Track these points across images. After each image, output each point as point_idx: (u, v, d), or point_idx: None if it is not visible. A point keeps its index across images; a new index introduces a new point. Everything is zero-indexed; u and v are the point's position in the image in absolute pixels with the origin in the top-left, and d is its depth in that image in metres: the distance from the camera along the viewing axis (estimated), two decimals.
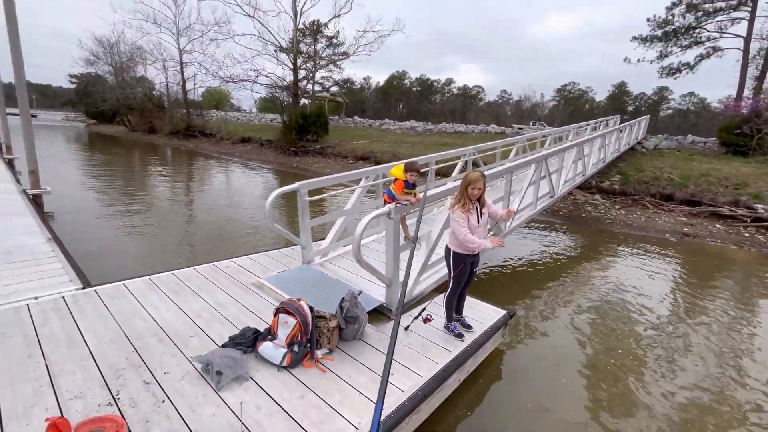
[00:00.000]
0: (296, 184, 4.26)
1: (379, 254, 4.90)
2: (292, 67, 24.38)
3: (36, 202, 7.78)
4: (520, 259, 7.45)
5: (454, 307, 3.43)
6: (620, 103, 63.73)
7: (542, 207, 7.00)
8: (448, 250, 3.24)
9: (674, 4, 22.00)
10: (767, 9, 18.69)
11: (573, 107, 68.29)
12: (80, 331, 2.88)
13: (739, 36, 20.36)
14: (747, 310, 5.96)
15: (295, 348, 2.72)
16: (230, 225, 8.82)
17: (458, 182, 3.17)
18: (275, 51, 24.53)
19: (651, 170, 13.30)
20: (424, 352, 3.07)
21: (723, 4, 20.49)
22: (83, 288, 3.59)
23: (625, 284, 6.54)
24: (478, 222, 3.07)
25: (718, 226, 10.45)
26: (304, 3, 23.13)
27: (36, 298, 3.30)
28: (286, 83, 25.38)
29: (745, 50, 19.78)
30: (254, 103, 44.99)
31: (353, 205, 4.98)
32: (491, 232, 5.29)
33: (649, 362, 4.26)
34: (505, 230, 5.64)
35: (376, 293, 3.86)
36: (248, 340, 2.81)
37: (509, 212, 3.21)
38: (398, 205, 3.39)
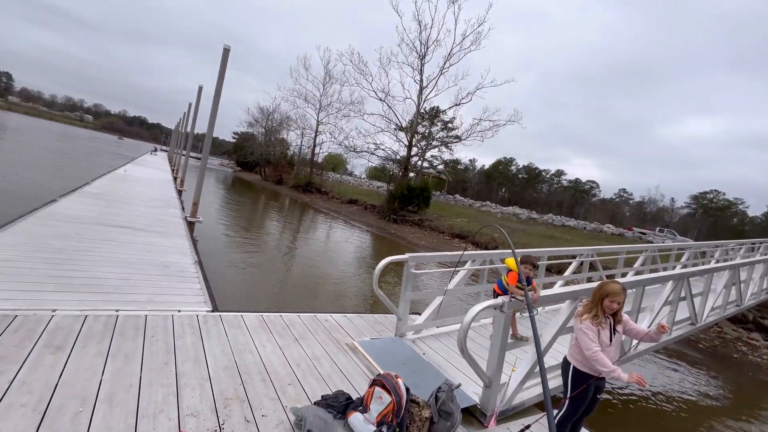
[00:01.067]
0: (406, 255, 4.39)
1: (473, 344, 4.56)
2: (407, 144, 26.78)
3: (190, 228, 9.56)
4: (645, 390, 6.08)
5: None
6: None
7: (679, 335, 5.79)
8: (567, 363, 2.84)
9: None
10: None
11: (714, 219, 58.33)
12: (204, 351, 3.24)
13: None
14: None
15: (384, 429, 2.57)
16: (325, 276, 9.39)
17: (579, 286, 2.86)
18: (395, 129, 27.48)
19: None
20: None
21: None
22: (212, 311, 4.11)
23: None
24: (611, 341, 2.66)
25: None
26: (429, 92, 25.96)
27: (179, 311, 3.89)
28: (398, 157, 27.77)
29: None
30: (365, 170, 50.08)
31: (455, 286, 4.85)
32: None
33: None
34: (630, 353, 4.75)
35: (469, 390, 3.52)
36: (340, 405, 2.77)
37: (663, 329, 2.62)
38: (512, 299, 3.18)
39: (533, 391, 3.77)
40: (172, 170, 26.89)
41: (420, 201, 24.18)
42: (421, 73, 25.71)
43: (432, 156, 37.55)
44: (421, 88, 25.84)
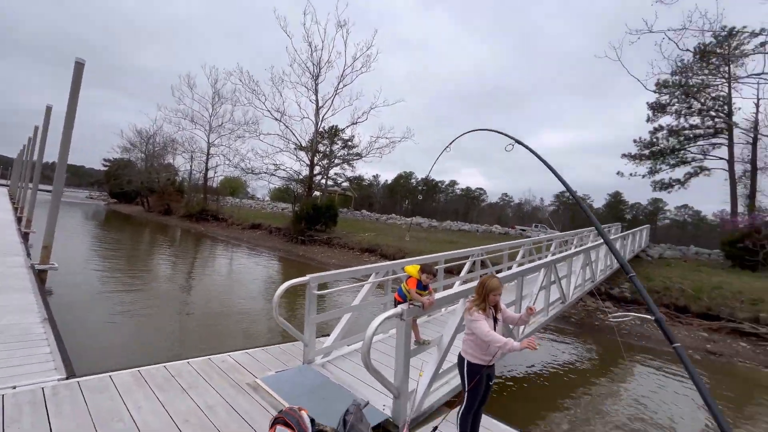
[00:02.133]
0: (307, 277, 4.23)
1: (383, 356, 4.59)
2: (308, 163, 26.44)
3: (41, 277, 7.71)
4: (532, 369, 6.89)
5: (470, 428, 3.05)
6: (617, 211, 66.24)
7: (554, 313, 6.75)
8: (461, 359, 3.03)
9: (657, 129, 24.54)
10: (743, 137, 20.68)
11: (572, 213, 70.94)
12: None
13: (722, 159, 22.15)
14: None
15: None
16: (228, 312, 8.51)
17: (469, 285, 3.12)
18: (295, 149, 26.92)
19: (660, 280, 13.12)
20: None
21: (702, 132, 22.82)
22: (66, 378, 3.31)
23: (647, 406, 5.90)
24: (494, 329, 2.93)
25: (742, 344, 9.83)
26: (326, 112, 26.21)
27: (14, 387, 3.03)
28: (301, 177, 27.19)
29: (731, 171, 21.26)
30: (267, 192, 47.77)
31: (361, 300, 4.85)
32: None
33: None
34: (518, 336, 5.34)
35: (380, 404, 3.49)
36: None
37: (530, 310, 2.96)
38: (411, 305, 3.29)
39: (442, 391, 3.94)
40: (15, 208, 21.64)
41: (327, 219, 23.96)
42: (316, 93, 25.87)
43: (335, 174, 37.90)
44: (318, 108, 25.96)
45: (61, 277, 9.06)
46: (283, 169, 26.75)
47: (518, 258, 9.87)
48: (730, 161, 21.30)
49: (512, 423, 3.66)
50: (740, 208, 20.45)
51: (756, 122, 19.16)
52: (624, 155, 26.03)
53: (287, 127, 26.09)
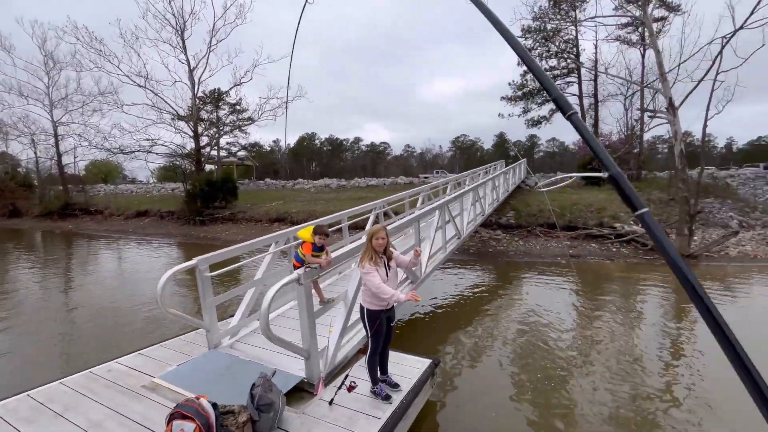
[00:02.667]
0: (194, 260, 3.87)
1: (297, 322, 4.59)
2: (192, 134, 23.42)
3: None
4: (439, 302, 7.69)
5: (378, 368, 3.30)
6: (503, 149, 74.49)
7: (452, 249, 7.47)
8: (362, 308, 3.18)
9: (525, 72, 27.47)
10: (588, 75, 24.51)
11: (467, 156, 77.55)
12: None
13: (574, 95, 26.09)
14: (629, 309, 6.96)
15: None
16: (123, 316, 7.49)
17: (358, 242, 3.21)
18: (172, 119, 23.45)
19: (536, 204, 15.43)
20: (352, 426, 2.83)
21: (558, 73, 26.31)
22: None
23: (535, 308, 7.16)
24: (387, 275, 3.11)
25: (593, 245, 12.36)
26: (202, 73, 23.02)
27: None
28: (186, 151, 24.09)
29: (581, 105, 25.29)
30: (151, 173, 41.42)
31: (263, 273, 4.67)
32: (408, 282, 5.41)
33: (573, 377, 4.58)
34: (421, 276, 5.82)
35: (295, 368, 3.54)
36: None
37: (416, 253, 3.26)
38: (308, 269, 3.27)
39: (354, 341, 4.14)
40: None
41: (226, 194, 22.03)
42: (185, 51, 22.37)
43: (228, 143, 34.43)
44: (191, 69, 22.63)
45: None
46: (162, 144, 23.35)
47: (418, 204, 10.51)
48: (580, 96, 25.24)
49: (420, 353, 4.07)
50: None
51: (595, 61, 22.68)
52: (502, 98, 28.87)
53: (156, 94, 22.40)
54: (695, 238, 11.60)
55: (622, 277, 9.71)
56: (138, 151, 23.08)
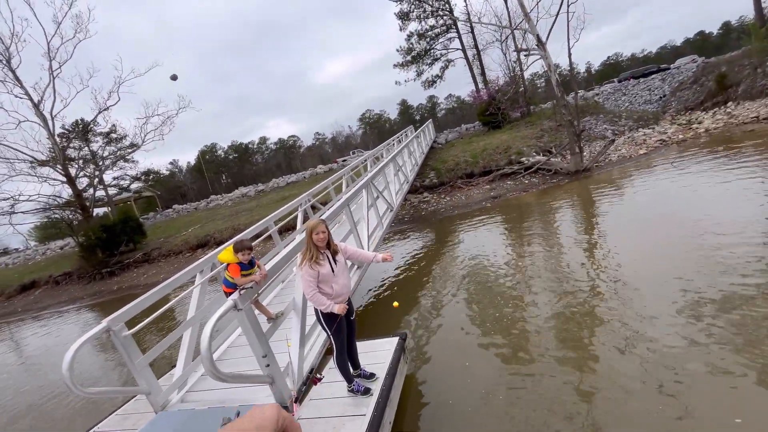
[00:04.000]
0: (103, 323, 3.27)
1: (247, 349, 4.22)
2: (65, 179, 19.85)
3: None
4: (390, 276, 7.76)
5: (349, 364, 3.18)
6: (408, 116, 76.68)
7: (388, 222, 7.50)
8: (316, 311, 2.99)
9: (410, 36, 28.07)
10: (465, 28, 25.86)
11: (377, 129, 78.36)
12: None
13: (458, 49, 27.47)
14: (551, 230, 7.77)
15: None
16: (40, 413, 6.23)
17: (291, 244, 2.98)
18: (32, 167, 19.55)
19: (451, 159, 16.23)
20: None
21: (439, 31, 27.36)
22: None
23: (474, 252, 7.64)
24: (334, 270, 2.93)
25: (509, 183, 13.47)
26: (53, 104, 19.31)
27: None
28: (64, 200, 20.45)
29: (466, 57, 26.78)
30: (26, 237, 34.40)
31: (196, 310, 4.16)
32: (356, 267, 5.28)
33: (522, 304, 4.96)
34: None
35: (262, 397, 3.25)
36: None
37: (388, 257, 3.13)
38: (243, 291, 2.94)
39: (317, 346, 3.93)
40: None
41: (130, 234, 19.40)
42: (19, 83, 18.45)
43: (114, 178, 30.06)
44: (35, 103, 18.84)
45: None
46: (27, 200, 19.47)
47: (343, 189, 10.32)
48: (463, 50, 26.67)
49: (387, 334, 4.03)
50: (480, 85, 26.39)
51: (468, 14, 23.94)
52: (395, 65, 29.25)
53: None
54: (585, 153, 13.28)
55: (538, 203, 10.78)
56: None
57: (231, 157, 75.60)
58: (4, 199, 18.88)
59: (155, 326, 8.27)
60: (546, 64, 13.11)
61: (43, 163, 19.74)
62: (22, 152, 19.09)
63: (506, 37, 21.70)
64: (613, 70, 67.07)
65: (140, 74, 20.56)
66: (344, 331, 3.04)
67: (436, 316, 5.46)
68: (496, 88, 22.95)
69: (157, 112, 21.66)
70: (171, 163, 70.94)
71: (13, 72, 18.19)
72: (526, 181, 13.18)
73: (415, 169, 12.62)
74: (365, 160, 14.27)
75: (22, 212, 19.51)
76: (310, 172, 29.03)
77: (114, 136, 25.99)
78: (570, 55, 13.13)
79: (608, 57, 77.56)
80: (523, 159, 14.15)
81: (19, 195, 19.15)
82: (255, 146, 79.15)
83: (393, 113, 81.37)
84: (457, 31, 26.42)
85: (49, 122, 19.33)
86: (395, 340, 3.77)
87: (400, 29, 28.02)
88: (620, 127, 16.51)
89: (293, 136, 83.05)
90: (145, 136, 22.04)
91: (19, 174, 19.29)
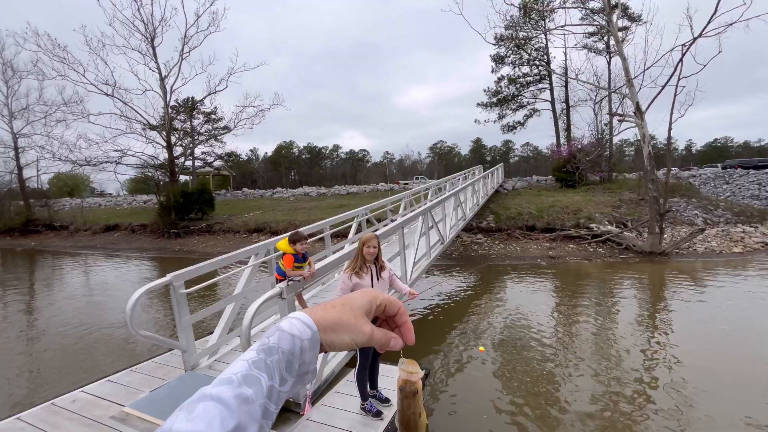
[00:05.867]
0: (168, 277, 3.65)
1: None
2: (165, 144, 22.63)
3: None
4: (425, 308, 7.62)
5: (368, 382, 3.18)
6: (480, 154, 76.07)
7: (436, 255, 7.45)
8: None
9: (500, 79, 28.23)
10: (559, 81, 25.37)
11: (445, 161, 78.71)
12: None
13: (546, 101, 26.96)
14: (608, 306, 7.11)
15: None
16: (90, 339, 7.02)
17: (343, 251, 3.11)
18: (143, 129, 22.62)
19: (515, 207, 15.72)
20: None
21: (531, 79, 27.17)
22: None
23: (518, 308, 7.21)
24: (373, 285, 3.01)
25: (571, 246, 12.66)
26: (174, 81, 22.37)
27: None
28: (159, 162, 23.26)
29: (553, 110, 26.16)
30: (121, 185, 39.61)
31: (243, 288, 4.47)
32: (392, 291, 5.31)
33: (557, 375, 4.58)
34: (407, 283, 5.74)
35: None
36: None
37: (412, 295, 3.11)
38: (290, 282, 3.13)
39: (341, 355, 4.00)
40: None
41: (202, 205, 21.37)
42: (155, 59, 21.68)
43: (203, 153, 33.59)
44: (162, 77, 21.94)
45: None
46: (132, 155, 22.44)
47: (400, 211, 10.47)
48: (552, 102, 26.11)
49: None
50: (562, 140, 25.50)
51: (566, 68, 23.55)
52: (478, 104, 29.48)
53: (125, 103, 21.57)
54: (665, 236, 12.08)
55: (599, 275, 9.96)
56: (106, 162, 22.08)
57: (303, 156, 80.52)
58: (115, 150, 21.99)
59: (206, 292, 8.88)
60: (640, 134, 12.34)
61: (152, 128, 22.74)
62: (141, 115, 22.23)
63: (601, 99, 20.89)
64: (718, 154, 60.92)
65: (249, 68, 23.07)
66: (372, 348, 3.06)
67: (464, 364, 5.24)
68: (579, 146, 22.02)
69: (253, 104, 23.99)
70: (251, 150, 77.44)
71: (154, 49, 21.46)
72: (591, 250, 12.29)
73: (475, 209, 12.42)
74: (427, 189, 14.39)
75: (125, 164, 22.52)
76: (372, 187, 29.84)
77: (213, 117, 29.19)
78: (670, 129, 12.24)
79: (715, 139, 70.70)
80: (593, 225, 13.25)
81: (128, 150, 22.19)
82: (327, 152, 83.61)
83: (464, 149, 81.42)
84: (550, 83, 26.05)
85: (168, 95, 22.36)
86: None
87: (492, 71, 28.33)
88: (715, 217, 14.81)
89: (363, 150, 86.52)
90: (237, 122, 24.48)
91: (132, 132, 22.42)
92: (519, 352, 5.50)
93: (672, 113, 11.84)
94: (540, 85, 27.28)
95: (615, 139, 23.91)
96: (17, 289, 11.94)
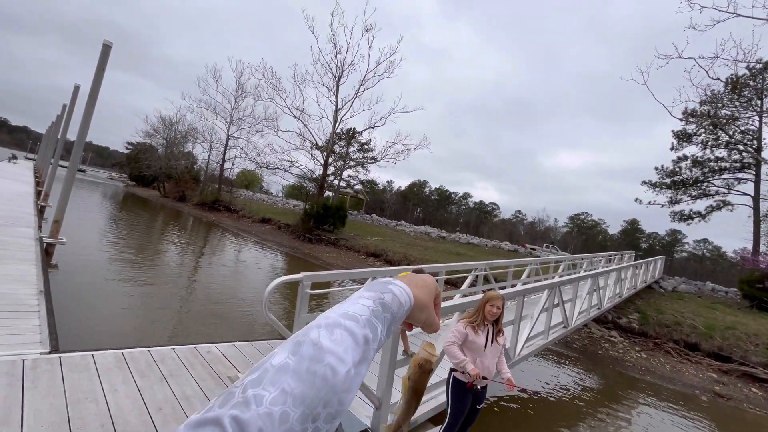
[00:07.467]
0: (300, 275, 4.16)
1: (377, 367, 4.46)
2: (323, 162, 26.61)
3: (47, 251, 7.85)
4: (521, 395, 6.63)
5: None
6: (633, 239, 64.63)
7: (555, 337, 6.50)
8: (449, 374, 2.90)
9: (681, 159, 23.87)
10: (766, 174, 19.94)
11: (586, 236, 69.56)
12: (22, 407, 2.53)
13: (747, 194, 21.35)
14: None
15: None
16: (227, 303, 8.51)
17: (469, 299, 3.00)
18: (311, 147, 27.15)
19: (672, 313, 12.63)
20: None
21: (728, 166, 22.09)
22: (49, 353, 3.30)
23: None
24: (485, 347, 2.79)
25: (754, 390, 9.33)
26: (345, 113, 26.39)
27: None
28: (314, 176, 27.37)
29: (756, 208, 20.48)
30: (281, 188, 48.07)
31: None
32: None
33: None
34: (514, 358, 5.15)
35: (362, 414, 3.37)
36: None
37: (510, 384, 2.88)
38: None
39: (428, 406, 3.79)
40: (37, 182, 22.31)
41: (336, 220, 24.01)
42: (336, 94, 26.09)
43: (349, 176, 38.01)
44: (337, 109, 26.16)
45: (70, 253, 9.22)
46: (298, 167, 27.02)
47: (523, 276, 9.62)
48: (756, 198, 20.53)
49: None
50: (763, 248, 19.63)
51: None
52: (644, 182, 25.39)
53: (305, 125, 26.36)
54: None
55: None
56: (278, 168, 27.14)
57: (433, 197, 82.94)
58: (287, 161, 26.90)
59: (321, 298, 9.82)
60: None
61: (318, 148, 27.12)
62: (313, 136, 26.84)
63: None
64: None
65: (407, 111, 25.52)
66: (466, 410, 2.81)
67: None
68: None
69: (402, 142, 26.22)
70: (387, 182, 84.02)
71: (338, 86, 25.94)
72: None
73: (616, 300, 10.46)
74: (559, 261, 12.90)
75: (291, 173, 27.25)
76: (494, 243, 28.47)
77: (366, 147, 33.07)
78: None
79: None
80: None
81: (296, 161, 26.89)
82: (456, 197, 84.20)
83: (613, 228, 70.67)
84: (757, 175, 20.67)
85: (337, 123, 26.46)
86: None
87: (672, 148, 24.25)
88: None
89: (494, 203, 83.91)
90: (385, 155, 27.04)
91: (303, 149, 27.15)
92: None
93: None
94: (740, 175, 21.95)
95: None
96: (193, 249, 15.41)
